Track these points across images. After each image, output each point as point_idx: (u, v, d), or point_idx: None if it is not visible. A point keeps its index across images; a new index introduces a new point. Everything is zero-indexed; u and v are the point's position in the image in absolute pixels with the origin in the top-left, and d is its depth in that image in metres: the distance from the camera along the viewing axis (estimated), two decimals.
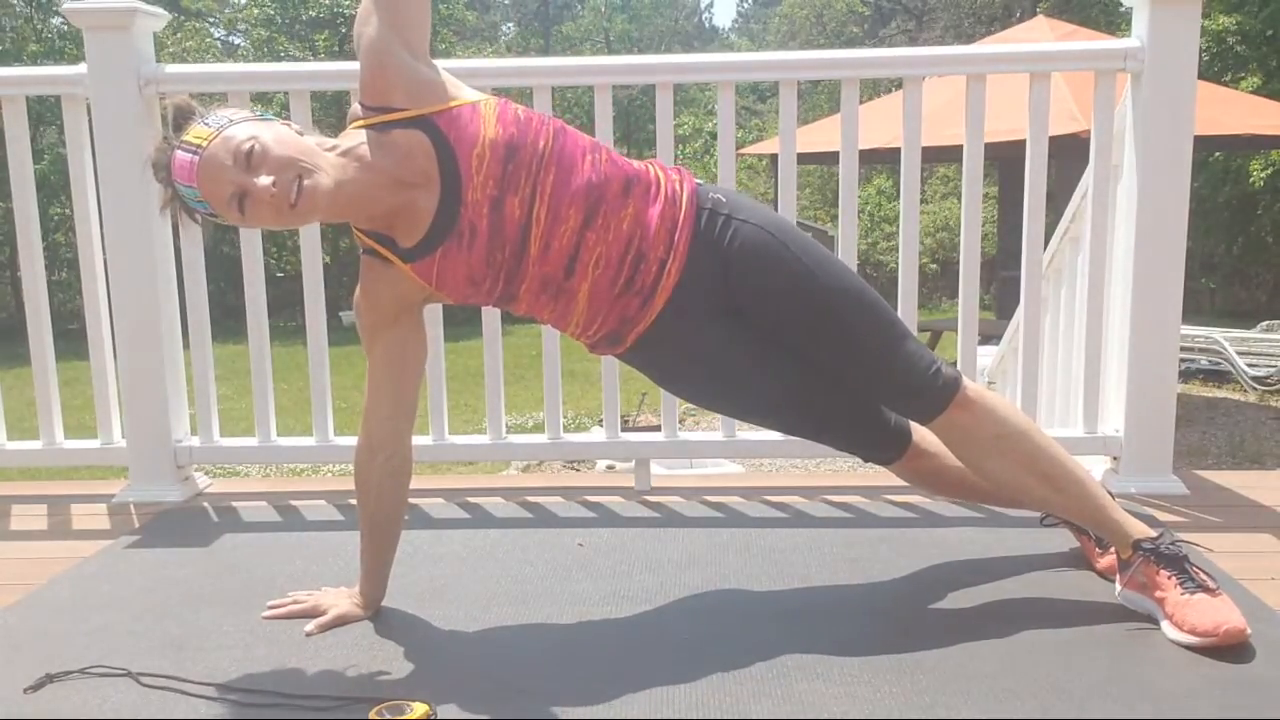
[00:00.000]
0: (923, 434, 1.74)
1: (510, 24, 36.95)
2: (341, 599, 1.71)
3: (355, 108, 1.56)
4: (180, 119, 1.47)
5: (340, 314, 12.50)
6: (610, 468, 4.22)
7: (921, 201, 2.43)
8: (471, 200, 1.50)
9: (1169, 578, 1.57)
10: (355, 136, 1.52)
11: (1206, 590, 1.55)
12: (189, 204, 1.46)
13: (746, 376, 1.65)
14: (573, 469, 5.02)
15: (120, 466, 2.55)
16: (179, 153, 1.44)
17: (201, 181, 1.43)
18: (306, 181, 1.43)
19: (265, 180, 1.41)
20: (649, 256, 1.56)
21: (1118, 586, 1.67)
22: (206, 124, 1.44)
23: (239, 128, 1.44)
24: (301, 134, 1.49)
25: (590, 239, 1.54)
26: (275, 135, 1.44)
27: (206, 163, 1.42)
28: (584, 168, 1.54)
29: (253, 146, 1.41)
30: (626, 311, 1.59)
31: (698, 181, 1.65)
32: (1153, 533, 1.63)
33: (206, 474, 2.68)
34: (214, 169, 1.42)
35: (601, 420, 2.66)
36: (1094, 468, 2.42)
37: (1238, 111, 7.20)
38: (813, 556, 1.95)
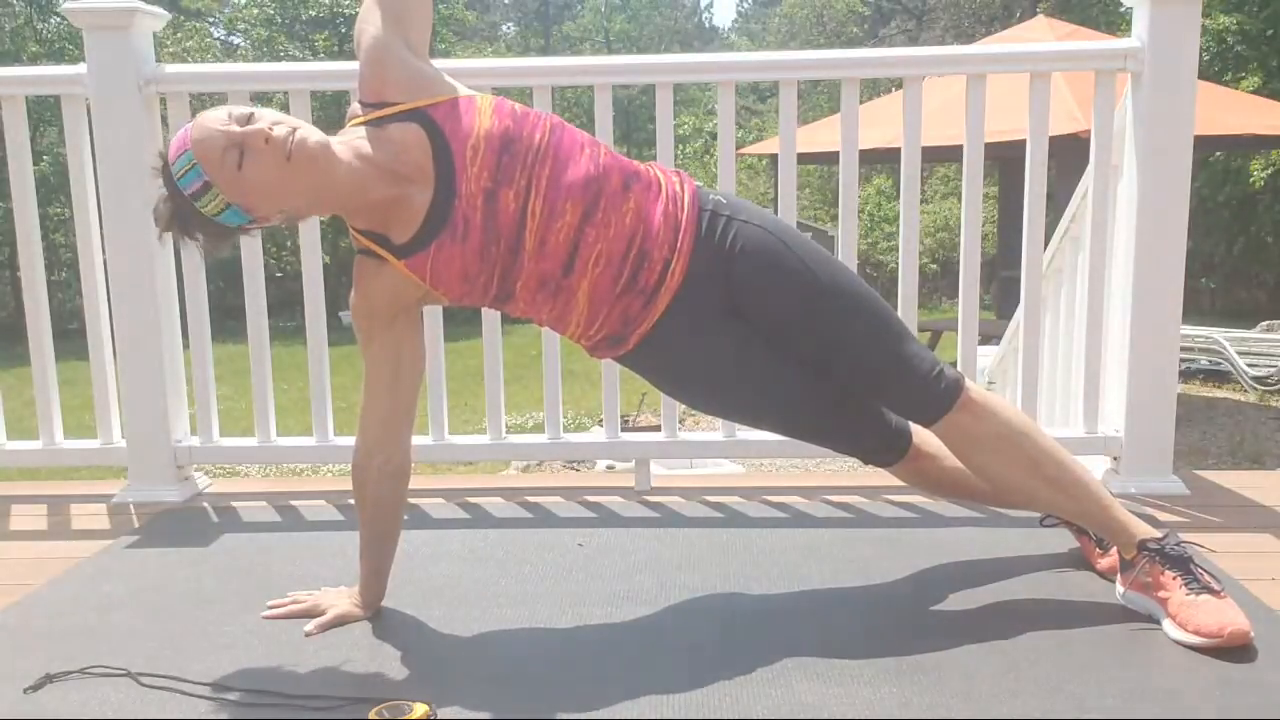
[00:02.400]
0: (923, 435, 1.74)
1: (510, 24, 36.96)
2: (341, 599, 1.71)
3: (354, 106, 1.56)
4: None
5: (340, 314, 12.48)
6: (610, 468, 4.22)
7: (921, 201, 2.43)
8: (465, 193, 1.50)
9: (1174, 578, 1.57)
10: (352, 132, 1.53)
11: (1211, 592, 1.55)
12: (180, 186, 1.43)
13: (747, 379, 1.65)
14: (573, 469, 5.02)
15: (120, 466, 2.55)
16: (175, 135, 1.45)
17: (195, 138, 1.43)
18: (304, 133, 1.44)
19: (259, 124, 1.42)
20: (653, 255, 1.55)
21: (1119, 587, 1.67)
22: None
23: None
24: None
25: (590, 235, 1.53)
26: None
27: (200, 119, 1.44)
28: (582, 161, 1.54)
29: (250, 111, 1.44)
30: (629, 311, 1.58)
31: (697, 184, 1.64)
32: (1157, 533, 1.63)
33: (206, 474, 2.67)
34: (207, 123, 1.43)
35: (601, 420, 2.66)
36: (1094, 468, 2.41)
37: (1238, 111, 7.19)
38: (813, 557, 1.95)
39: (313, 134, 1.47)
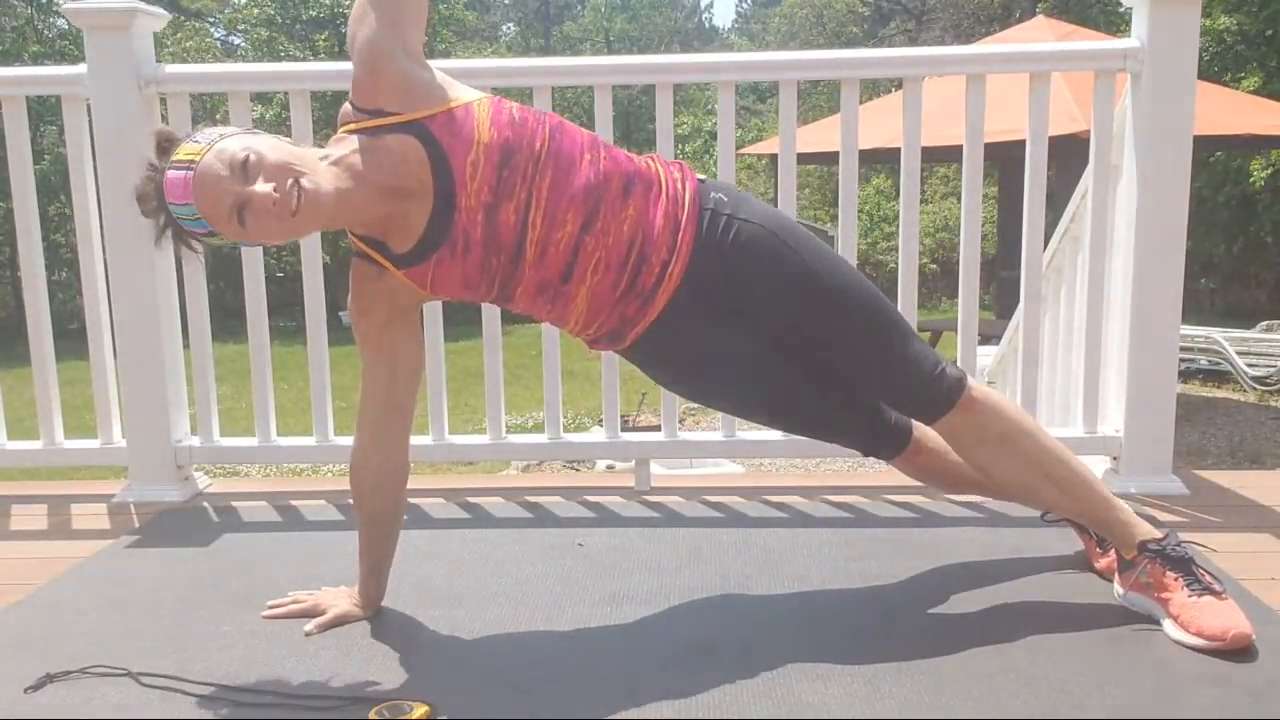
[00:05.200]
0: (924, 430, 1.73)
1: (510, 24, 36.95)
2: (341, 599, 1.71)
3: (346, 108, 1.54)
4: (164, 145, 1.45)
5: (340, 313, 12.47)
6: (610, 468, 4.22)
7: (921, 201, 2.43)
8: (465, 208, 1.49)
9: (1175, 579, 1.57)
10: (347, 143, 1.50)
11: (1213, 593, 1.55)
12: (184, 225, 1.42)
13: (746, 376, 1.65)
14: (573, 469, 5.02)
15: (120, 466, 2.55)
16: (170, 173, 1.40)
17: (198, 196, 1.39)
18: (306, 184, 1.41)
19: (265, 187, 1.39)
20: (651, 259, 1.55)
21: (1118, 588, 1.67)
22: (196, 141, 1.42)
23: (231, 140, 1.42)
24: (294, 145, 1.48)
25: (589, 244, 1.52)
26: (269, 144, 1.43)
27: (202, 175, 1.39)
28: (582, 168, 1.52)
29: (248, 156, 1.39)
30: (626, 312, 1.58)
31: (699, 178, 1.63)
32: (1158, 534, 1.63)
33: (206, 474, 2.68)
34: (210, 181, 1.39)
35: (601, 420, 2.66)
36: (1094, 468, 2.41)
37: (1238, 111, 7.19)
38: (812, 557, 1.95)
39: (317, 182, 1.42)
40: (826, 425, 1.74)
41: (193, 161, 1.40)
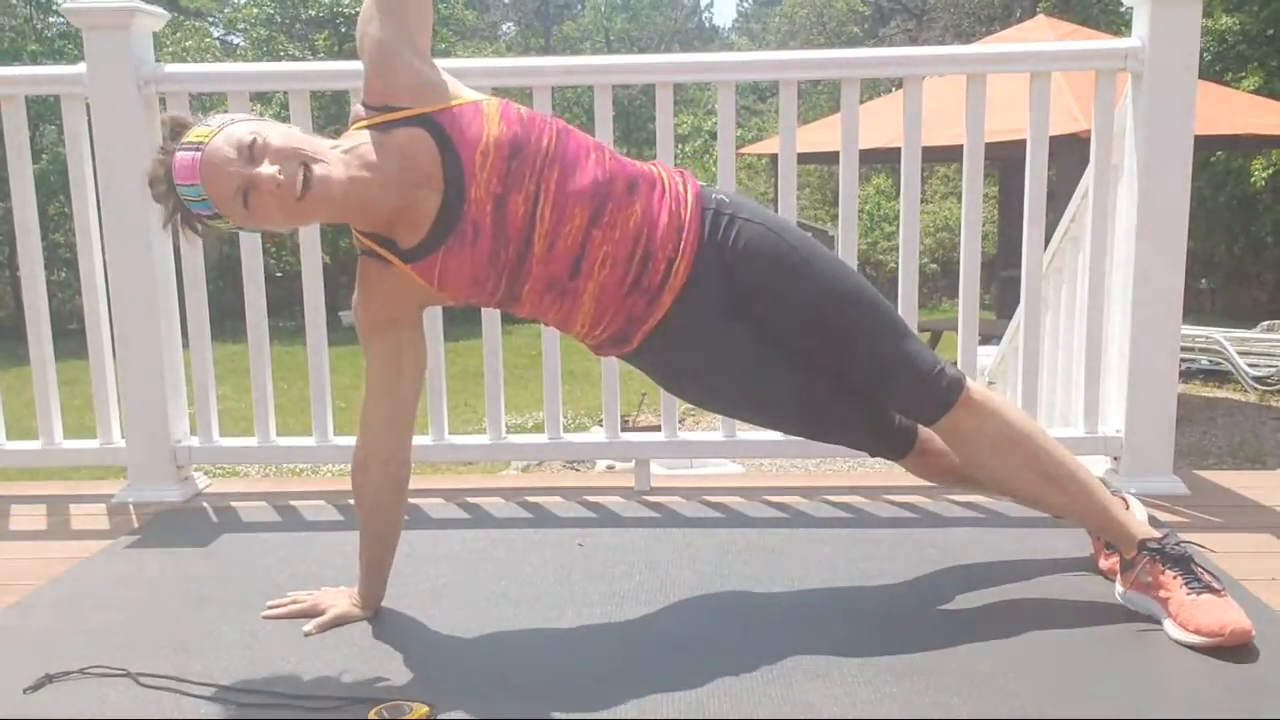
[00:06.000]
0: (929, 430, 1.73)
1: (510, 24, 36.95)
2: (340, 599, 1.71)
3: (358, 109, 1.55)
4: (176, 129, 1.47)
5: (340, 314, 12.48)
6: (610, 468, 4.21)
7: (921, 201, 2.42)
8: (475, 198, 1.50)
9: (1174, 578, 1.57)
10: (357, 137, 1.51)
11: (1212, 591, 1.55)
12: (190, 208, 1.45)
13: (749, 377, 1.65)
14: (573, 469, 5.02)
15: (119, 467, 2.54)
16: (180, 154, 1.43)
17: (205, 176, 1.41)
18: (316, 169, 1.42)
19: (269, 169, 1.40)
20: (657, 255, 1.55)
21: (1119, 587, 1.67)
22: (207, 124, 1.45)
23: (240, 125, 1.44)
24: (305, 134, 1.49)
25: (596, 237, 1.53)
26: (278, 130, 1.45)
27: (209, 157, 1.41)
28: (589, 166, 1.54)
29: (255, 139, 1.42)
30: (633, 311, 1.58)
31: (700, 184, 1.64)
32: (1157, 533, 1.63)
33: (206, 474, 2.67)
34: (217, 162, 1.41)
35: (601, 420, 2.66)
36: (1094, 468, 2.41)
37: (1239, 111, 7.19)
38: (813, 557, 1.95)
39: (328, 168, 1.44)
40: (827, 426, 1.74)
41: (201, 143, 1.42)
